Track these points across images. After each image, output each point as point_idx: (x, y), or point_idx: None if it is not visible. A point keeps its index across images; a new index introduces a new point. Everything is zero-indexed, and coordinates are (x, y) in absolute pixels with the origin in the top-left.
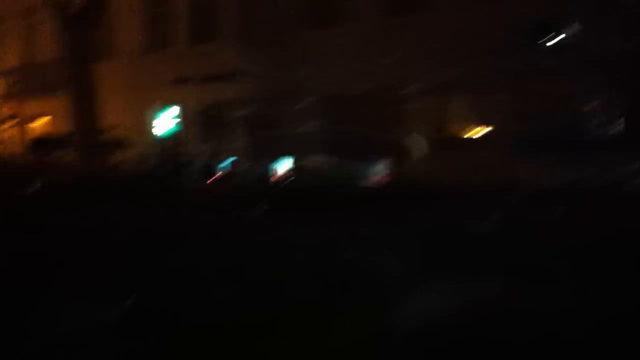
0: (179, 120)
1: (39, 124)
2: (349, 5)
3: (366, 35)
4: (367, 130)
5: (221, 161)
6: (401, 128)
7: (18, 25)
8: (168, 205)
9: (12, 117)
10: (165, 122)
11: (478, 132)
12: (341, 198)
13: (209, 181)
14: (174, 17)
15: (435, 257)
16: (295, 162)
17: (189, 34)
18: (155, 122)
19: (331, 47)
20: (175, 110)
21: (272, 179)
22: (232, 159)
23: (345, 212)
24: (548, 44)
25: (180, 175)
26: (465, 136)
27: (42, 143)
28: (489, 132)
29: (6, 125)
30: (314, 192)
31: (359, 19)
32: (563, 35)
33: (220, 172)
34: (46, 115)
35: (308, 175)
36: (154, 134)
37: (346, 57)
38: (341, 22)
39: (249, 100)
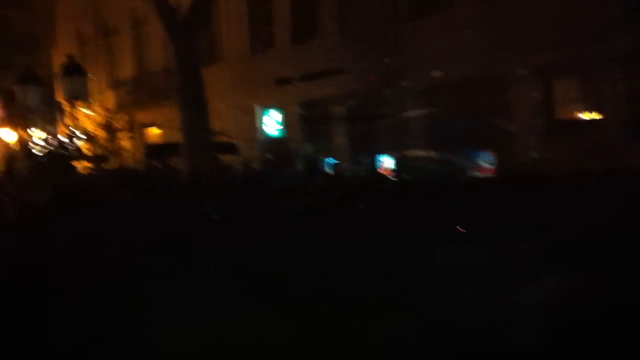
0: (283, 120)
1: (153, 131)
2: None
3: (465, 22)
4: (471, 119)
5: (326, 158)
6: (507, 115)
7: (131, 37)
8: (285, 203)
9: (127, 125)
10: (271, 122)
11: (589, 116)
12: (449, 191)
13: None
14: (276, 18)
15: (554, 251)
16: (399, 156)
17: (291, 33)
18: (260, 123)
19: (430, 37)
20: (279, 110)
21: (377, 174)
22: (333, 157)
23: (453, 205)
24: None
25: (288, 174)
26: (576, 121)
27: (156, 149)
28: (601, 116)
29: (122, 134)
30: (421, 186)
31: (456, 6)
32: None
33: (326, 169)
34: (159, 122)
35: (413, 169)
36: (260, 135)
37: (446, 46)
38: (438, 11)
39: (351, 96)
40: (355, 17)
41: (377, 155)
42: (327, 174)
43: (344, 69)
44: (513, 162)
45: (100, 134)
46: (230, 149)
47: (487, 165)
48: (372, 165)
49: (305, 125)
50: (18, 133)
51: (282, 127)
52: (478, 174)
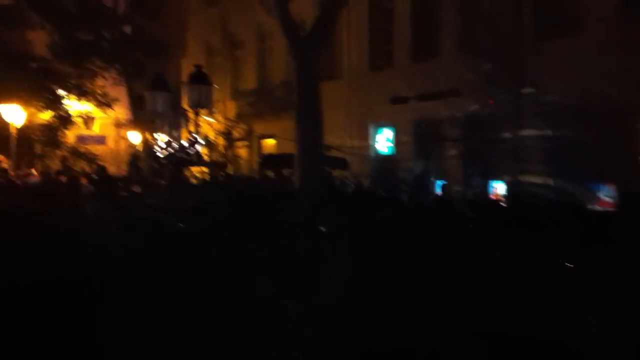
0: (396, 138)
1: (269, 143)
2: (576, 15)
3: (596, 45)
4: (595, 147)
5: (438, 179)
6: (634, 147)
7: (256, 50)
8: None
9: (245, 135)
10: (383, 140)
11: None
12: (565, 222)
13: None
14: (396, 36)
15: None
16: (513, 182)
17: (411, 51)
18: (373, 140)
19: (555, 59)
20: (392, 128)
21: (489, 199)
22: (444, 179)
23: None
24: None
25: (398, 191)
26: None
27: (271, 159)
28: None
29: (240, 143)
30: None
31: (587, 29)
32: None
33: (436, 190)
34: (276, 134)
35: (527, 196)
36: (372, 152)
37: (572, 69)
38: (565, 32)
39: (467, 118)
40: (477, 37)
41: (490, 180)
42: (435, 194)
43: (462, 90)
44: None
45: (220, 141)
46: (342, 163)
47: (607, 199)
48: (484, 189)
49: (418, 145)
50: (143, 135)
51: (394, 145)
52: (597, 207)
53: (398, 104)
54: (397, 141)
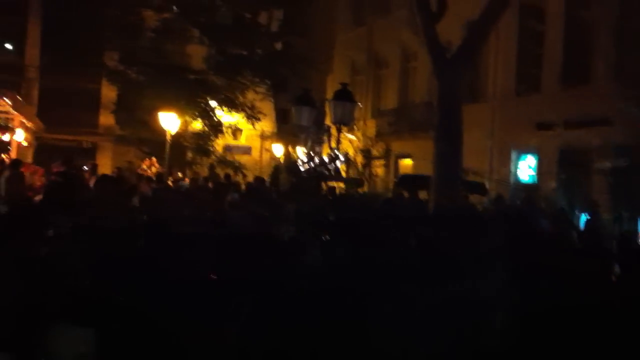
0: (538, 166)
1: (406, 163)
2: None
3: None
4: None
5: (580, 212)
6: None
7: (399, 69)
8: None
9: (383, 154)
10: (526, 167)
11: None
12: None
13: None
14: (545, 61)
15: None
16: None
17: (561, 77)
18: (515, 167)
19: None
20: (536, 155)
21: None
22: (588, 213)
23: None
24: None
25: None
26: None
27: (407, 179)
28: None
29: (377, 162)
30: None
31: None
32: None
33: (578, 224)
34: (413, 154)
35: None
36: (513, 178)
37: None
38: None
39: (619, 149)
40: (632, 64)
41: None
42: (579, 229)
43: (614, 118)
44: None
45: (358, 159)
46: (480, 189)
47: None
48: (635, 227)
49: (562, 175)
50: (286, 148)
51: (536, 174)
52: None
53: (543, 130)
54: (540, 169)
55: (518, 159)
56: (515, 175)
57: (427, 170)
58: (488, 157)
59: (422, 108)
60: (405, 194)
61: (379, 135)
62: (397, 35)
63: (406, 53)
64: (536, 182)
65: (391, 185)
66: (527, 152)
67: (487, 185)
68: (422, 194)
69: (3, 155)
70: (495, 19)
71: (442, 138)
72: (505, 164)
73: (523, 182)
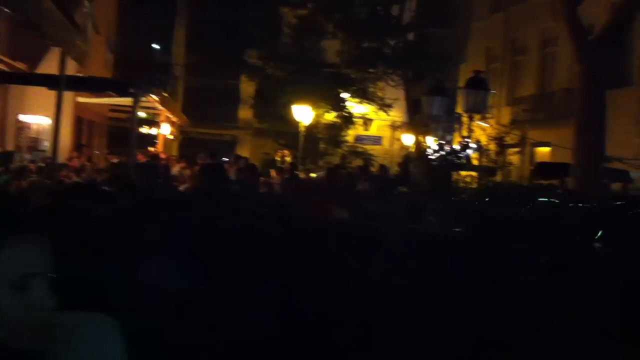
0: None
1: (543, 151)
2: None
3: None
4: None
5: None
6: None
7: (537, 55)
8: None
9: (518, 142)
10: None
11: None
12: None
13: None
14: None
15: None
16: None
17: None
18: None
19: None
20: None
21: None
22: None
23: None
24: None
25: None
26: None
27: (545, 168)
28: None
29: (513, 150)
30: None
31: None
32: None
33: None
34: (551, 142)
35: None
36: None
37: None
38: None
39: None
40: None
41: None
42: None
43: None
44: None
45: (492, 147)
46: (624, 176)
47: None
48: None
49: None
50: (417, 138)
51: None
52: None
53: None
54: None
55: None
56: None
57: (565, 158)
58: (633, 144)
59: (561, 95)
60: (543, 182)
61: (515, 123)
62: (535, 21)
63: (545, 38)
64: None
65: (527, 174)
66: None
67: (631, 174)
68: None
69: (150, 148)
70: None
71: (584, 125)
72: None
73: None
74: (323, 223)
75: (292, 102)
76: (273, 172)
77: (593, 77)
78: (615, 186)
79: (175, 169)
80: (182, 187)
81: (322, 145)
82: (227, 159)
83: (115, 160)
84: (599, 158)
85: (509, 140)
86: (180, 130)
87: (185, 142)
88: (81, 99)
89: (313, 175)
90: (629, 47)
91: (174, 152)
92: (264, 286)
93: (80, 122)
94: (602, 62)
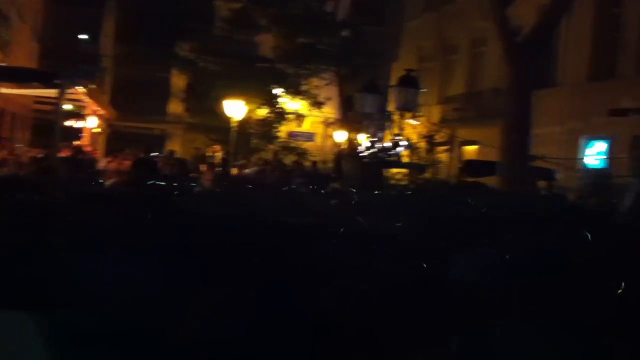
0: (609, 152)
1: (471, 149)
2: None
3: None
4: None
5: None
6: None
7: (467, 55)
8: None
9: (447, 140)
10: (595, 154)
11: None
12: None
13: None
14: (624, 45)
15: None
16: None
17: (637, 63)
18: (583, 153)
19: None
20: (608, 142)
21: None
22: None
23: None
24: None
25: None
26: None
27: (472, 166)
28: None
29: (442, 148)
30: None
31: None
32: None
33: None
34: (479, 140)
35: None
36: (581, 165)
37: None
38: None
39: None
40: None
41: None
42: None
43: None
44: None
45: (422, 145)
46: (548, 175)
47: None
48: None
49: (636, 161)
50: (349, 135)
51: (607, 160)
52: None
53: (616, 117)
54: (613, 156)
55: (587, 145)
56: (584, 161)
57: (493, 156)
58: (556, 143)
59: (489, 94)
60: (470, 180)
61: (444, 122)
62: (465, 21)
63: (475, 38)
64: (606, 168)
65: (455, 172)
66: (597, 138)
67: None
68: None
69: (76, 142)
70: (567, 1)
71: (510, 124)
72: (574, 150)
73: (593, 167)
74: (255, 218)
75: (225, 97)
76: (203, 168)
77: (520, 78)
78: (541, 184)
79: (102, 164)
80: (108, 182)
81: (254, 141)
82: (157, 154)
83: (39, 155)
84: (525, 157)
85: (438, 138)
86: (108, 123)
87: (113, 136)
88: (3, 90)
89: (246, 170)
90: (554, 48)
91: (101, 146)
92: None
93: (1, 114)
94: (529, 63)
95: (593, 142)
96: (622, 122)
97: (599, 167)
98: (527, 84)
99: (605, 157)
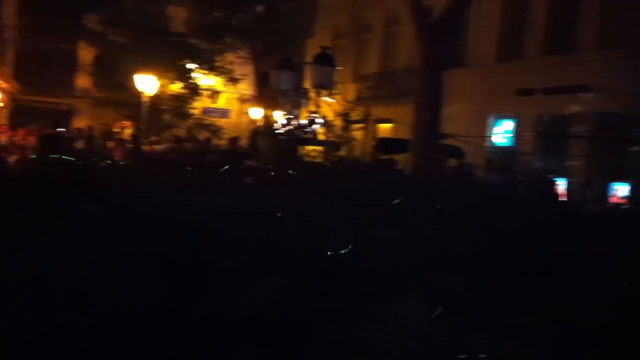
0: (516, 131)
1: (385, 127)
2: None
3: None
4: None
5: (555, 177)
6: None
7: (381, 34)
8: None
9: (362, 118)
10: (502, 132)
11: None
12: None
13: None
14: (529, 28)
15: None
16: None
17: (542, 44)
18: (492, 132)
19: None
20: (515, 120)
21: (608, 203)
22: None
23: None
24: None
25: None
26: None
27: (386, 143)
28: None
29: (357, 126)
30: None
31: None
32: None
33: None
34: (393, 118)
35: None
36: (489, 143)
37: None
38: None
39: (597, 116)
40: (616, 32)
41: (612, 182)
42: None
43: (593, 86)
44: None
45: (337, 122)
46: (458, 152)
47: None
48: (605, 192)
49: (539, 140)
50: (265, 112)
51: (513, 138)
52: None
53: (523, 96)
54: (518, 134)
55: (495, 124)
56: (492, 139)
57: (406, 134)
58: (466, 122)
59: (403, 73)
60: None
61: (359, 100)
62: (380, 0)
63: (388, 17)
64: (513, 146)
65: (370, 149)
66: (505, 117)
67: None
68: (401, 157)
69: None
70: None
71: (423, 103)
72: (483, 128)
73: (501, 145)
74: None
75: (135, 71)
76: (111, 144)
77: (432, 58)
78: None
79: (3, 139)
80: (11, 159)
81: (167, 117)
82: (63, 129)
83: None
84: (436, 135)
85: (354, 116)
86: (10, 97)
87: (17, 111)
88: None
89: (157, 147)
90: (466, 29)
91: (3, 120)
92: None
93: None
94: (441, 43)
95: (501, 120)
96: (528, 101)
97: (505, 145)
98: (438, 64)
99: (512, 135)
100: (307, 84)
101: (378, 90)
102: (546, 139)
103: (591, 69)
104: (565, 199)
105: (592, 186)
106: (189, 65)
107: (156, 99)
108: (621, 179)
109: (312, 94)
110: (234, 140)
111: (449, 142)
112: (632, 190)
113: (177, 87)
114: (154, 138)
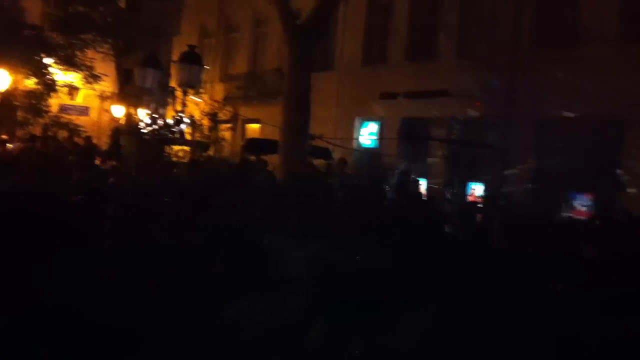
0: (381, 134)
1: (254, 127)
2: (576, 29)
3: (590, 60)
4: (579, 159)
5: (417, 177)
6: (620, 159)
7: (250, 34)
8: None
9: (231, 118)
10: (368, 134)
11: None
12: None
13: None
14: (392, 33)
15: None
16: (491, 186)
17: (406, 49)
18: (358, 134)
19: (548, 71)
20: (379, 123)
21: (465, 203)
22: (425, 178)
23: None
24: None
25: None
26: None
27: (255, 144)
28: None
29: (225, 126)
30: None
31: (582, 45)
32: None
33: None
34: (261, 119)
35: (505, 203)
36: (356, 145)
37: (567, 82)
38: (561, 46)
39: (455, 120)
40: (474, 41)
41: (469, 182)
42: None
43: (452, 91)
44: (612, 208)
45: (205, 122)
46: (326, 153)
47: (582, 209)
48: (460, 193)
49: (403, 142)
50: (128, 110)
51: (378, 140)
52: (572, 215)
53: (387, 100)
54: (383, 136)
55: (361, 126)
56: (359, 141)
57: (275, 135)
58: (334, 124)
59: (271, 74)
60: (252, 158)
61: (228, 100)
62: (248, 0)
63: (257, 18)
64: (378, 147)
65: (238, 149)
66: (370, 120)
67: (332, 150)
68: (269, 158)
69: None
70: None
71: (291, 105)
72: (350, 130)
73: (366, 147)
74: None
75: None
76: None
77: (299, 60)
78: (318, 162)
79: None
80: None
81: (20, 114)
82: None
83: None
84: (304, 136)
85: (222, 116)
86: None
87: None
88: None
89: (9, 146)
90: (333, 34)
91: None
92: None
93: None
94: (309, 46)
95: (367, 122)
96: (391, 104)
97: (371, 146)
98: (306, 66)
99: (376, 137)
100: (173, 83)
101: (247, 90)
102: (408, 141)
103: (450, 75)
104: (426, 198)
105: (452, 186)
106: (46, 60)
107: (8, 95)
108: (477, 179)
109: (179, 93)
110: (88, 139)
111: (317, 143)
112: (486, 190)
113: (31, 82)
114: (4, 136)
